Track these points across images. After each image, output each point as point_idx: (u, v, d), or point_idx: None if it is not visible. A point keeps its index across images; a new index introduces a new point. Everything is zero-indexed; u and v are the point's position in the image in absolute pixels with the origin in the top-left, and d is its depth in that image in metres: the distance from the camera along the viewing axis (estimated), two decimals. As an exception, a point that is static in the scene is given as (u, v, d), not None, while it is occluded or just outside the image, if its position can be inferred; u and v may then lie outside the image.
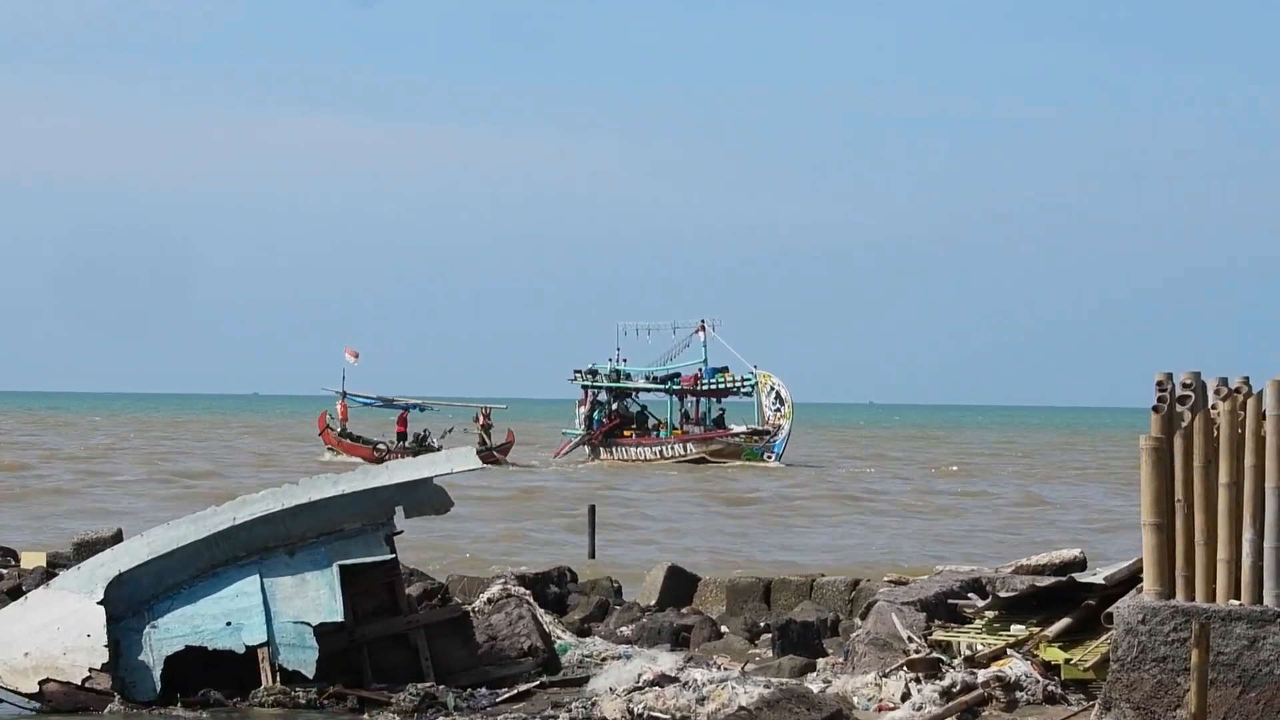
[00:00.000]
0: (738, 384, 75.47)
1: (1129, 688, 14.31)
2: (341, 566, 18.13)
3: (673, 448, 75.02)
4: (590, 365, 78.15)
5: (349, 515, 18.38)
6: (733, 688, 16.77)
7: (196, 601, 17.95)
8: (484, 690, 17.97)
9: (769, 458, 72.57)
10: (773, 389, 73.91)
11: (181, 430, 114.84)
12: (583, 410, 77.82)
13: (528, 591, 20.86)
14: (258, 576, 18.03)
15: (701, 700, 16.68)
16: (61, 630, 17.62)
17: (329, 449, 72.04)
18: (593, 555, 30.77)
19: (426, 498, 18.75)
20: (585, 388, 77.85)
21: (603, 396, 77.79)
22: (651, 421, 77.91)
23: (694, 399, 77.07)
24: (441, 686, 17.85)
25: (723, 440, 74.28)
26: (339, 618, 17.97)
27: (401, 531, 18.76)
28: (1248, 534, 14.17)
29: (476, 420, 74.28)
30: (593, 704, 17.01)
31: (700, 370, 76.59)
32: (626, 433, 77.07)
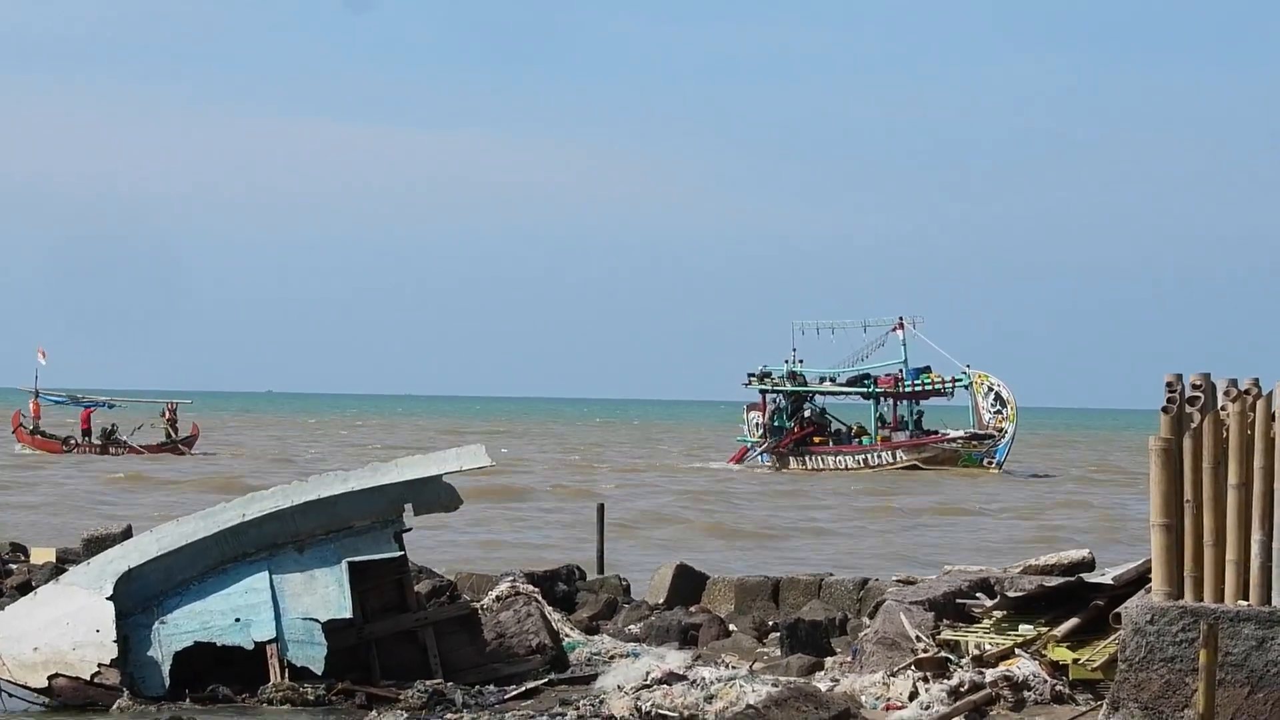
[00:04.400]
0: (947, 385, 68.20)
1: (1137, 688, 14.31)
2: (350, 563, 18.15)
3: (879, 455, 68.03)
4: (763, 367, 71.25)
5: (358, 512, 18.40)
6: (741, 686, 16.77)
7: (206, 598, 17.97)
8: (492, 687, 17.98)
9: (989, 464, 66.43)
10: (991, 389, 67.17)
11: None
12: (755, 415, 71.01)
13: (536, 589, 20.88)
14: (267, 573, 18.05)
15: (709, 698, 16.67)
16: (71, 626, 17.64)
17: (20, 445, 75.49)
18: (601, 570, 26.75)
19: (435, 495, 18.76)
20: (763, 392, 70.76)
21: (782, 401, 70.63)
22: (834, 425, 70.95)
23: (890, 402, 69.81)
24: (449, 683, 17.86)
25: (937, 446, 67.71)
26: (348, 614, 17.99)
27: (410, 529, 18.78)
28: (1256, 535, 14.18)
29: (163, 415, 77.34)
30: (601, 701, 17.01)
31: (901, 370, 69.20)
32: (818, 439, 69.96)
